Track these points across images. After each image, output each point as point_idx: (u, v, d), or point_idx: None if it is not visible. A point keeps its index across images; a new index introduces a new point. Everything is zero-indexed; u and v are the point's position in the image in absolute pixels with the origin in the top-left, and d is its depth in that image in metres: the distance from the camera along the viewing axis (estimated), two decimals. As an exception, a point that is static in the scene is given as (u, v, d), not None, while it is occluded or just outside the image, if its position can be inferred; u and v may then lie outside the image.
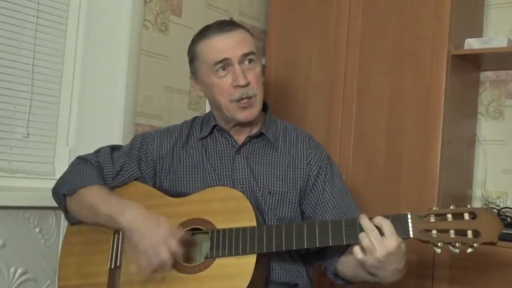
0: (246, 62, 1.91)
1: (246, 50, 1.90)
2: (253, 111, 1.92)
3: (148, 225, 1.77)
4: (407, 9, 2.78)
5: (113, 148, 2.11)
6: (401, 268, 1.67)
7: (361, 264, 1.66)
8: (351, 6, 2.95)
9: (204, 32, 1.95)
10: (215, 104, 1.97)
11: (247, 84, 1.89)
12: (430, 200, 2.61)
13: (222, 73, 1.90)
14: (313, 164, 1.98)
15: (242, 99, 1.89)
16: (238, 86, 1.88)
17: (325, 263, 1.95)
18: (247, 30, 1.98)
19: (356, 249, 1.64)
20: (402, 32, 2.79)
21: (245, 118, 1.92)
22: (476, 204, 2.97)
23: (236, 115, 1.92)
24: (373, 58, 2.87)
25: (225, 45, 1.89)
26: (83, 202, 1.95)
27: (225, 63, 1.89)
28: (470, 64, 2.88)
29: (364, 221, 1.64)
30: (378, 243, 1.60)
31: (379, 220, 1.63)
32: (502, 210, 2.75)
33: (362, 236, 1.63)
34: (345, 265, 1.87)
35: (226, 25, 1.93)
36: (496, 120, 2.99)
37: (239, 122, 1.95)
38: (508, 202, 2.91)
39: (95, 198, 1.91)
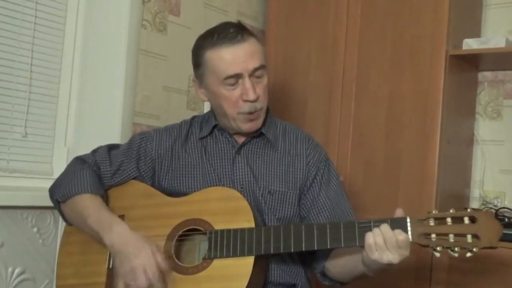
0: (256, 75, 1.90)
1: (257, 64, 1.88)
2: (258, 123, 1.95)
3: (129, 250, 1.76)
4: (405, 9, 2.78)
5: (111, 148, 2.11)
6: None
7: (367, 251, 1.64)
8: (349, 6, 2.95)
9: (213, 39, 1.89)
10: (220, 112, 1.96)
11: (257, 99, 1.89)
12: (428, 199, 2.62)
13: (231, 87, 1.88)
14: (312, 165, 1.98)
15: (251, 112, 1.89)
16: (247, 100, 1.88)
17: (313, 263, 1.96)
18: (256, 37, 1.94)
19: (369, 234, 1.63)
20: (400, 32, 2.79)
21: (249, 129, 1.94)
22: (474, 204, 2.97)
23: (241, 126, 1.93)
24: (372, 58, 2.87)
25: (237, 58, 1.86)
26: (74, 211, 1.95)
27: (236, 78, 1.87)
28: (468, 64, 2.88)
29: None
30: (395, 250, 1.60)
31: (397, 233, 1.62)
32: (500, 210, 2.76)
33: (376, 234, 1.62)
34: (336, 262, 1.87)
35: (236, 34, 1.88)
36: (494, 120, 3.00)
37: (242, 132, 1.96)
38: (506, 202, 2.91)
39: (85, 210, 1.90)
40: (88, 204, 1.91)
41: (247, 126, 1.93)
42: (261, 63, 1.90)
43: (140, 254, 1.74)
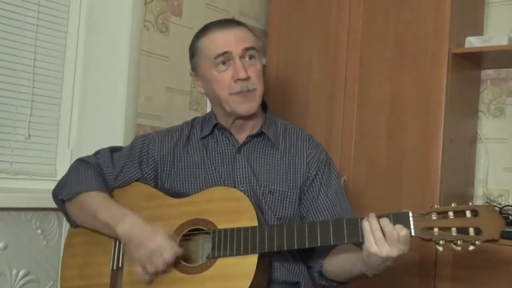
0: (247, 58, 1.92)
1: (247, 45, 1.91)
2: (253, 105, 1.93)
3: (144, 235, 1.78)
4: (407, 7, 2.78)
5: (113, 150, 2.11)
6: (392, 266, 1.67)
7: (368, 257, 1.64)
8: (351, 5, 2.95)
9: (206, 29, 1.98)
10: (215, 99, 1.98)
11: (248, 78, 1.89)
12: (431, 199, 2.61)
13: (222, 67, 1.91)
14: (312, 164, 1.98)
15: (242, 91, 1.90)
16: (238, 79, 1.89)
17: (311, 262, 1.95)
18: (249, 29, 1.99)
19: (371, 241, 1.62)
20: (402, 31, 2.79)
21: (245, 111, 1.92)
22: (478, 202, 2.96)
23: (236, 108, 1.92)
24: (374, 57, 2.87)
25: (227, 39, 1.90)
26: (81, 208, 1.95)
27: (226, 57, 1.90)
28: (471, 63, 2.87)
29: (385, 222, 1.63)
30: (394, 244, 1.60)
31: (398, 228, 1.62)
32: (504, 208, 2.75)
33: (374, 228, 1.62)
34: (334, 261, 1.87)
35: (228, 22, 1.97)
36: (498, 118, 2.99)
37: (239, 115, 1.95)
38: (510, 200, 2.91)
39: (94, 204, 1.91)
40: (96, 200, 1.93)
41: (243, 108, 1.91)
42: (251, 44, 1.93)
43: (156, 238, 1.76)
